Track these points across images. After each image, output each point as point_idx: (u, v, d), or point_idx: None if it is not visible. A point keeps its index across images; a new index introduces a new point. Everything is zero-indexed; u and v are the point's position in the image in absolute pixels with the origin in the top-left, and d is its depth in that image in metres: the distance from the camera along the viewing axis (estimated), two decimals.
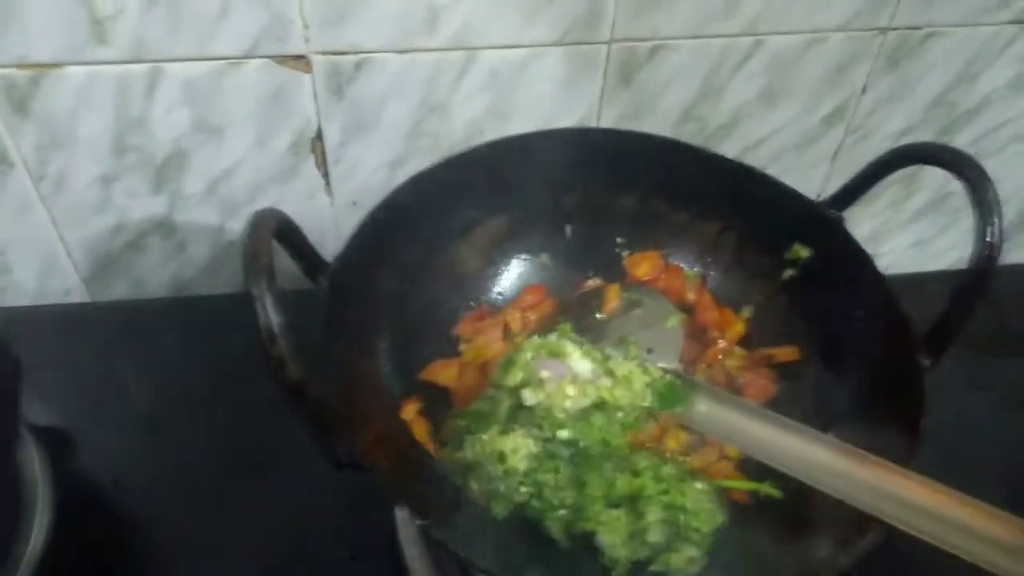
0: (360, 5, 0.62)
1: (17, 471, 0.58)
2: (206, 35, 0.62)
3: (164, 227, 0.75)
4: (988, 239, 0.43)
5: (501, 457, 0.45)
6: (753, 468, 0.50)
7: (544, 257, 0.61)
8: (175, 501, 0.63)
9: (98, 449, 0.66)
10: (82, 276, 0.78)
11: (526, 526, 0.47)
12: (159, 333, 0.77)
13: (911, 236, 0.87)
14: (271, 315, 0.35)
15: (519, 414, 0.47)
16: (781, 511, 0.48)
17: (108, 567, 0.59)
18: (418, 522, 0.39)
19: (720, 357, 0.55)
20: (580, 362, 0.47)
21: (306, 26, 0.63)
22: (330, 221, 0.77)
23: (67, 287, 0.78)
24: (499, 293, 0.60)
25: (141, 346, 0.76)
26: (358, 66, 0.66)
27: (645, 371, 0.49)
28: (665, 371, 0.50)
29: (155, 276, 0.79)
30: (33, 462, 0.59)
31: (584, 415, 0.47)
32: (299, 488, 0.62)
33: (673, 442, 0.51)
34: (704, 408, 0.49)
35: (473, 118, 0.70)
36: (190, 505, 0.62)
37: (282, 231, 0.40)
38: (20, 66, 0.62)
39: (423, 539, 0.55)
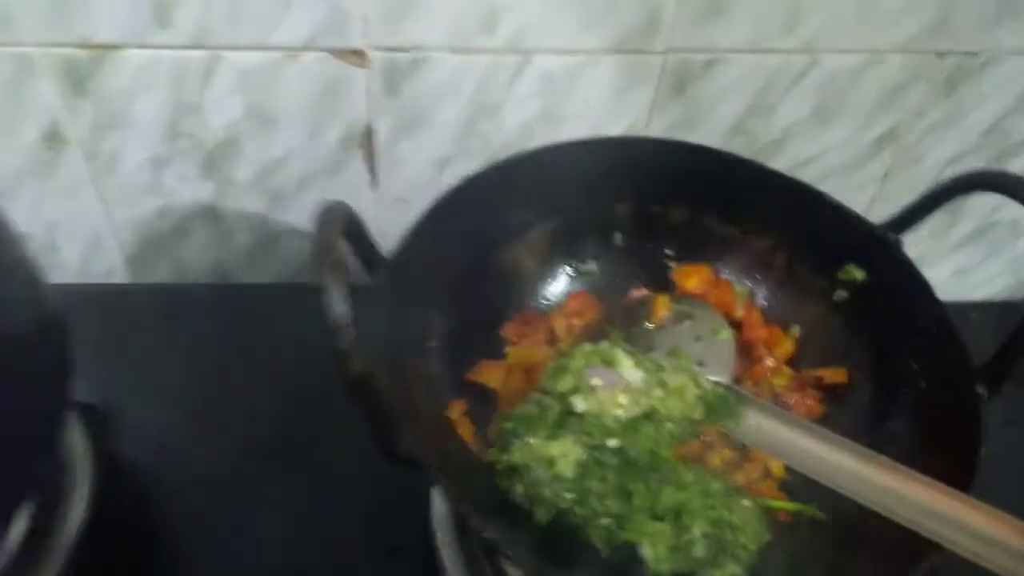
0: (420, 3, 0.62)
1: None
2: (267, 25, 0.62)
3: (210, 213, 0.75)
4: None
5: (550, 462, 0.45)
6: (796, 488, 0.50)
7: (592, 264, 0.61)
8: (210, 486, 0.63)
9: (133, 429, 0.66)
10: (126, 257, 0.78)
11: (568, 532, 0.47)
12: (199, 318, 0.77)
13: (953, 264, 0.86)
14: (339, 308, 0.35)
15: (568, 420, 0.47)
16: (825, 532, 0.48)
17: (144, 545, 0.59)
18: (473, 522, 0.39)
19: (767, 375, 0.55)
20: (632, 371, 0.47)
21: (366, 21, 0.63)
22: (373, 217, 0.76)
23: (110, 267, 0.79)
24: (545, 298, 0.60)
25: (180, 330, 0.76)
26: (414, 63, 0.66)
27: (697, 383, 0.49)
28: (717, 384, 0.50)
29: (197, 261, 0.80)
30: (76, 438, 0.59)
31: (633, 424, 0.46)
32: (336, 480, 0.62)
33: (716, 459, 0.51)
34: (755, 423, 0.48)
35: (524, 121, 0.71)
36: (225, 490, 0.63)
37: (348, 225, 0.40)
38: (82, 46, 0.63)
39: (458, 538, 0.55)
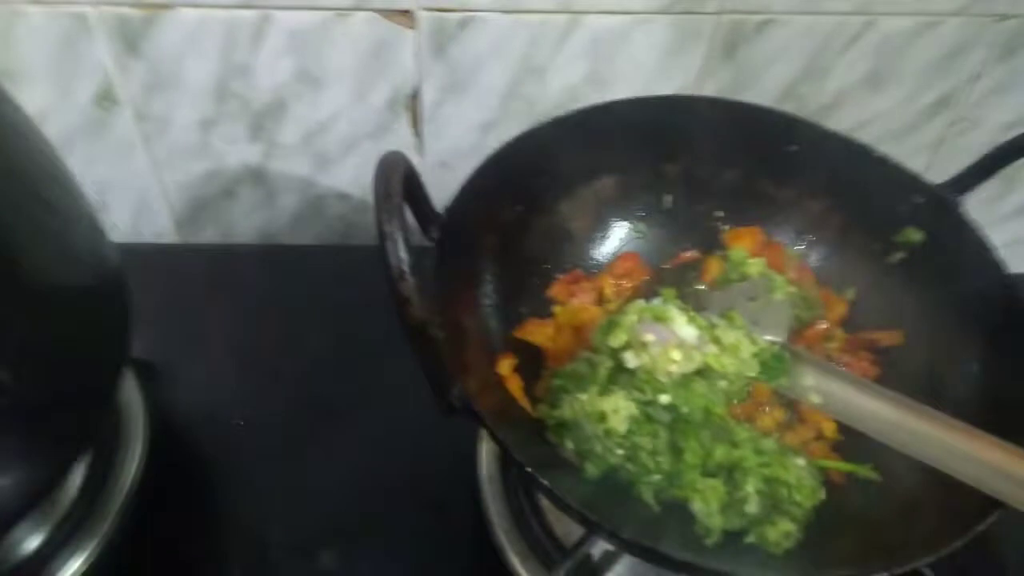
0: None
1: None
2: None
3: (257, 175, 0.76)
4: None
5: (601, 417, 0.45)
6: (849, 450, 0.50)
7: (641, 226, 0.60)
8: (256, 440, 0.64)
9: (182, 385, 0.67)
10: (175, 219, 0.80)
11: (618, 488, 0.47)
12: (245, 278, 0.78)
13: (1006, 235, 0.84)
14: (401, 253, 0.36)
15: (619, 377, 0.47)
16: (879, 493, 0.47)
17: (196, 497, 0.61)
18: (528, 469, 0.39)
19: (819, 338, 0.54)
20: (685, 328, 0.47)
21: None
22: None
23: (159, 229, 0.80)
24: (594, 258, 0.60)
25: (227, 290, 0.77)
26: (462, 24, 0.66)
27: (752, 340, 0.48)
28: (772, 343, 0.49)
29: (244, 223, 0.80)
30: (130, 393, 0.61)
31: (686, 381, 0.46)
32: (382, 436, 0.63)
33: (768, 420, 0.51)
34: (813, 381, 0.48)
35: (570, 84, 0.70)
36: (271, 444, 0.64)
37: (407, 177, 0.40)
38: (134, 5, 0.63)
39: (505, 495, 0.56)
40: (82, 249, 0.50)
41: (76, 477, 0.56)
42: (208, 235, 0.81)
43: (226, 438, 0.64)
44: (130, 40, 0.65)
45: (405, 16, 0.65)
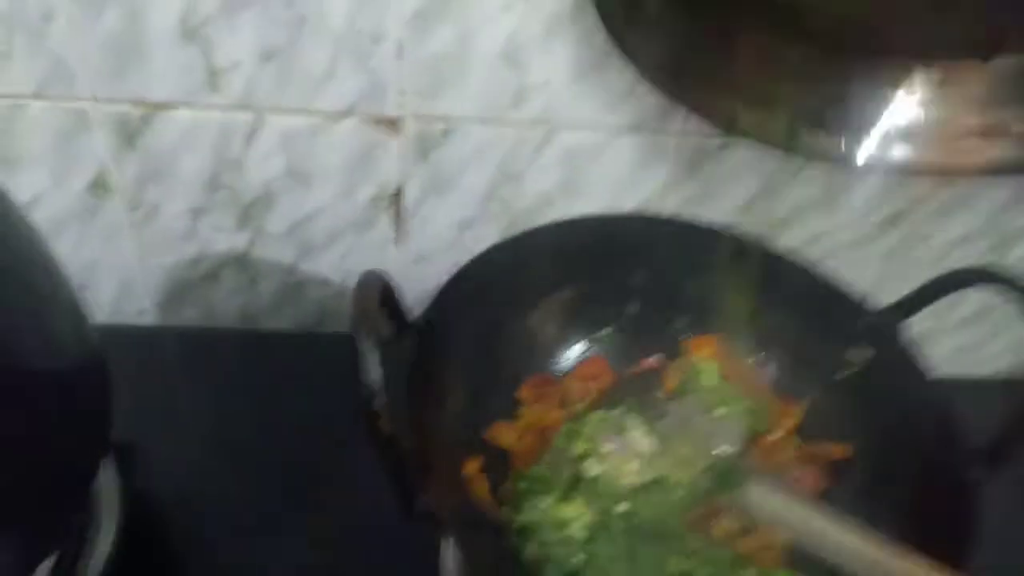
0: (455, 78, 0.66)
1: None
2: (310, 93, 0.66)
3: (241, 261, 0.79)
4: None
5: (560, 523, 0.48)
6: (800, 559, 0.52)
7: (607, 332, 0.63)
8: (231, 527, 0.65)
9: (157, 468, 0.68)
10: (156, 300, 0.82)
11: None
12: (224, 361, 0.80)
13: (957, 341, 0.88)
14: (373, 372, 0.38)
15: (579, 484, 0.50)
16: None
17: None
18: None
19: (773, 448, 0.57)
20: (643, 439, 0.50)
21: (403, 93, 0.67)
22: (396, 272, 0.79)
23: (141, 309, 0.82)
24: (561, 362, 0.62)
25: (205, 372, 0.79)
26: (445, 132, 0.70)
27: (705, 453, 0.51)
28: (725, 455, 0.52)
29: (225, 306, 0.83)
30: (106, 472, 0.61)
31: (643, 491, 0.49)
32: (352, 527, 0.64)
33: (722, 528, 0.53)
34: (759, 496, 0.51)
35: (544, 191, 0.74)
36: (246, 532, 0.65)
37: (383, 292, 0.43)
38: (135, 104, 0.67)
39: None
40: (64, 339, 0.52)
41: (43, 565, 0.56)
42: (188, 316, 0.83)
43: (200, 522, 0.65)
44: (127, 135, 0.68)
45: (392, 124, 0.69)
